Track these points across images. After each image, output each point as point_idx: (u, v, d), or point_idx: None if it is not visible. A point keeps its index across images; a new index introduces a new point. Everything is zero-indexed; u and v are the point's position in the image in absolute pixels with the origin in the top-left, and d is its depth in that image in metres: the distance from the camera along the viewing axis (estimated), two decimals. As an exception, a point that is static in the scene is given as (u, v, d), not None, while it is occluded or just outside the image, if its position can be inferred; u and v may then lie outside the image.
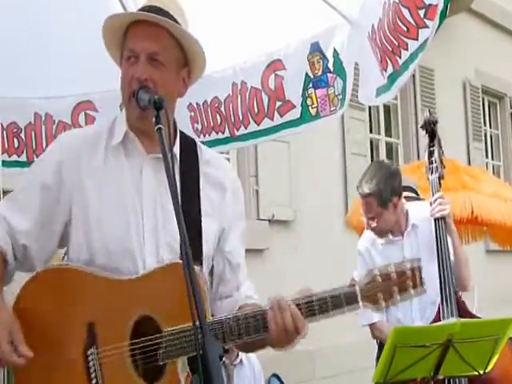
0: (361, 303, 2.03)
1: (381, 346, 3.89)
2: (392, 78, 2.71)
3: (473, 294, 4.52)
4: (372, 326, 3.86)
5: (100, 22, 2.17)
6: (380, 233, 3.84)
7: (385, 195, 3.74)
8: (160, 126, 1.92)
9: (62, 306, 2.05)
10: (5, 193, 3.58)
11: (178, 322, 1.96)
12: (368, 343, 4.12)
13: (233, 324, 1.98)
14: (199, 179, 2.14)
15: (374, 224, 3.79)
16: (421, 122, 3.92)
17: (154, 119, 1.95)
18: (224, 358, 3.53)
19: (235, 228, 2.23)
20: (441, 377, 3.12)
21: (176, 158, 2.15)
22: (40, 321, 2.04)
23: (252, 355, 3.67)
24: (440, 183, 3.78)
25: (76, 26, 3.49)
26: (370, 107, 8.79)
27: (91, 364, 2.00)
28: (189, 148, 2.17)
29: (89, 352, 2.00)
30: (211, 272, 2.22)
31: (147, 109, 2.03)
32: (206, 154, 2.22)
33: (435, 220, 3.67)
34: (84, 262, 2.10)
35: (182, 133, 2.23)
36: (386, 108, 9.57)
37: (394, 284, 2.03)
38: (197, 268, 1.96)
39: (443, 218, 3.65)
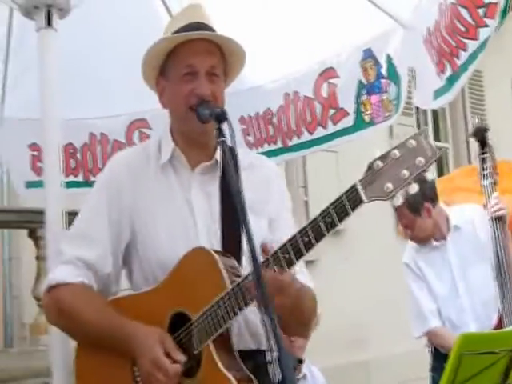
0: (364, 197, 1.76)
1: (436, 354, 3.82)
2: (450, 80, 2.67)
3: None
4: (430, 333, 3.78)
5: (151, 40, 2.18)
6: (419, 241, 3.79)
7: (415, 203, 3.67)
8: (223, 139, 1.93)
9: None
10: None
11: (204, 305, 1.98)
12: (423, 353, 4.05)
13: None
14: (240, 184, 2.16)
15: (410, 233, 3.74)
16: (471, 130, 3.88)
17: (215, 132, 1.98)
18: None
19: (284, 215, 2.24)
20: (510, 385, 3.04)
21: (219, 164, 2.18)
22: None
23: (315, 368, 3.63)
24: (494, 189, 3.72)
25: (127, 45, 3.53)
26: (417, 112, 8.71)
27: (137, 375, 2.07)
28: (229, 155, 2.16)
29: (135, 368, 2.07)
30: None
31: (208, 122, 2.07)
32: (247, 158, 2.25)
33: (492, 220, 3.62)
34: (144, 280, 2.16)
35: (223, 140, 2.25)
36: (434, 112, 9.46)
37: (400, 164, 1.73)
38: (230, 260, 2.03)
39: (501, 217, 3.60)
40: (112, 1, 3.33)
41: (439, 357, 3.62)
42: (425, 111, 8.92)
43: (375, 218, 7.81)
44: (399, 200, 3.55)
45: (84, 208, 2.25)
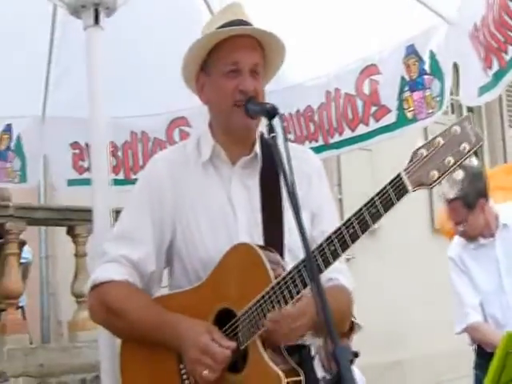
0: (409, 186, 1.75)
1: (480, 352, 3.78)
2: (497, 76, 2.64)
3: None
4: (470, 328, 3.74)
5: (192, 39, 2.18)
6: (470, 237, 3.77)
7: (470, 198, 3.65)
8: (274, 134, 1.93)
9: None
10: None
11: (249, 301, 1.98)
12: (461, 352, 4.02)
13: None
14: (279, 176, 2.13)
15: (462, 229, 3.71)
16: None
17: (266, 127, 1.98)
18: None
19: (327, 208, 2.23)
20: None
21: (259, 157, 2.18)
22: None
23: (355, 368, 3.61)
24: None
25: (167, 43, 3.55)
26: (453, 110, 8.63)
27: (184, 373, 2.07)
28: (270, 147, 2.11)
29: (181, 366, 2.07)
30: None
31: (256, 118, 2.09)
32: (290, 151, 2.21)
33: None
34: (187, 279, 2.16)
35: (261, 133, 2.25)
36: (470, 110, 9.37)
37: (444, 151, 1.72)
38: (273, 254, 2.02)
39: None
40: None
41: (484, 354, 3.59)
42: (460, 109, 8.83)
43: (410, 216, 7.79)
44: (453, 193, 3.53)
45: (126, 208, 2.25)
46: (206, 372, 1.96)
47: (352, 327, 3.44)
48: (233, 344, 1.98)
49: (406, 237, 7.90)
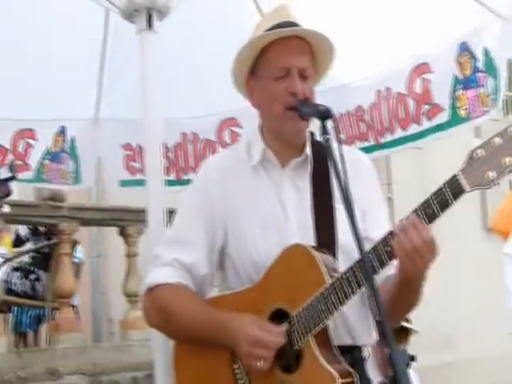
0: (466, 187, 1.75)
1: None
2: (554, 72, 2.59)
3: None
4: None
5: (242, 40, 2.17)
6: None
7: None
8: (328, 136, 1.94)
9: None
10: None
11: (303, 301, 1.98)
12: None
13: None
14: (330, 178, 2.14)
15: None
16: None
17: (320, 129, 1.98)
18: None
19: (374, 207, 2.22)
20: None
21: (310, 159, 2.18)
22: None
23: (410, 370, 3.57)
24: None
25: (217, 44, 3.57)
26: (506, 106, 8.47)
27: (238, 373, 2.08)
28: (320, 148, 2.12)
29: (235, 366, 2.09)
30: None
31: (308, 120, 2.09)
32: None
33: None
34: (240, 283, 2.16)
35: (312, 135, 2.24)
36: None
37: (501, 151, 1.72)
38: (326, 255, 2.02)
39: None
40: (206, 2, 3.37)
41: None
42: (512, 104, 8.67)
43: (461, 213, 7.65)
44: None
45: (179, 213, 2.27)
46: (259, 364, 1.99)
47: (408, 331, 3.41)
48: (281, 329, 1.99)
49: (459, 236, 7.78)
